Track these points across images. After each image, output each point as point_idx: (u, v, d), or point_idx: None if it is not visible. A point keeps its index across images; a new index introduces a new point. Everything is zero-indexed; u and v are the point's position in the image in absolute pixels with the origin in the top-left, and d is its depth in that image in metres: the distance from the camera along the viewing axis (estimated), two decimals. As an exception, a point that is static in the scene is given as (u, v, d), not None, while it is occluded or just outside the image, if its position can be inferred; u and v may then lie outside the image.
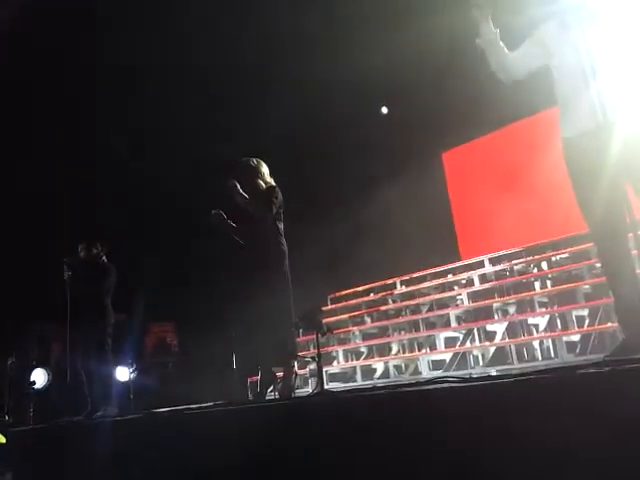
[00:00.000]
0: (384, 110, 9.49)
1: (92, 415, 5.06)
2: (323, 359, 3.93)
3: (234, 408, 3.41)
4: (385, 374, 6.80)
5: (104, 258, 5.68)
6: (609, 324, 5.13)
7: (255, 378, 4.80)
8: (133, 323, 6.42)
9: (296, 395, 4.28)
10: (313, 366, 4.09)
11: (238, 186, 4.22)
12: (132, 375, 6.69)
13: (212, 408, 3.63)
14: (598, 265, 6.10)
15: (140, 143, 8.02)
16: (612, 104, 2.60)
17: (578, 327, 5.61)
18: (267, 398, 4.18)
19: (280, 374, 4.22)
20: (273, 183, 4.35)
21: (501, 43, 3.00)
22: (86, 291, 5.47)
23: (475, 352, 6.20)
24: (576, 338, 5.46)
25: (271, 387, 4.30)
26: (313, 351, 4.60)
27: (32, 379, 6.56)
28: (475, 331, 6.41)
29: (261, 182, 4.31)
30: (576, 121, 2.73)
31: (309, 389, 5.95)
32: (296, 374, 4.45)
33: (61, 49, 7.01)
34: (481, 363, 6.06)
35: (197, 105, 7.95)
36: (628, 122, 2.57)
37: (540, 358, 5.71)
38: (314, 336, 3.89)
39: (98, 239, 5.71)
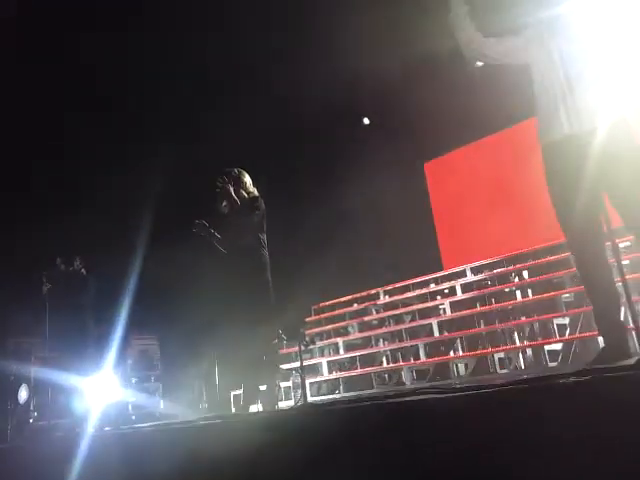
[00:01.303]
0: (365, 121, 9.55)
1: (71, 429, 4.98)
2: (307, 371, 3.91)
3: (217, 422, 3.37)
4: (369, 385, 6.79)
5: (83, 270, 5.62)
6: (590, 333, 5.18)
7: (238, 391, 4.77)
8: (114, 336, 6.34)
9: (279, 408, 4.25)
10: (297, 378, 4.06)
11: (222, 203, 4.22)
12: (113, 388, 6.59)
13: (195, 422, 3.58)
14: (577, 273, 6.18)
15: (122, 153, 7.95)
16: (588, 113, 2.64)
17: (559, 336, 5.66)
18: (250, 411, 4.15)
19: (263, 387, 4.19)
20: (256, 193, 4.35)
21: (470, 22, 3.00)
22: (66, 304, 5.41)
23: (458, 362, 6.22)
24: (558, 347, 5.50)
25: (254, 400, 4.27)
26: (296, 363, 4.59)
27: (17, 396, 6.45)
28: (458, 340, 6.44)
29: (243, 192, 4.30)
30: (553, 129, 2.76)
31: (292, 401, 5.92)
32: (279, 387, 4.42)
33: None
34: (463, 373, 6.08)
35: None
36: (604, 131, 2.60)
37: (522, 367, 5.75)
38: (297, 348, 3.87)
39: (78, 252, 5.66)
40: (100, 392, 6.55)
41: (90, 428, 4.90)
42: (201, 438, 2.89)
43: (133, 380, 8.02)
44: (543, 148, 2.84)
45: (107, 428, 4.90)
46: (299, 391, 3.79)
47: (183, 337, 7.46)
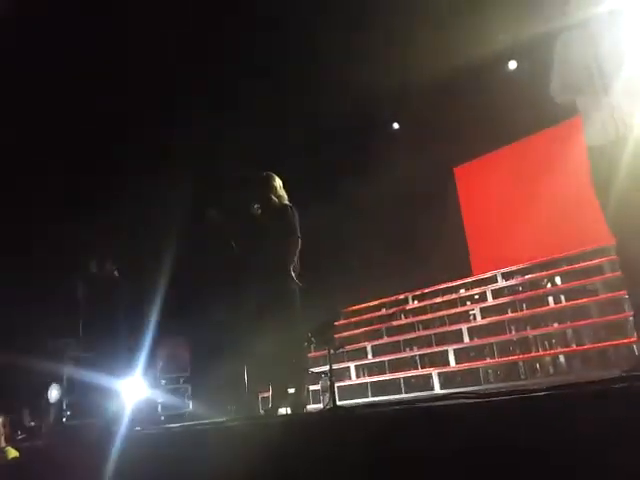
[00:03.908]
0: (395, 125, 9.54)
1: (104, 429, 5.06)
2: (335, 374, 3.91)
3: (245, 423, 3.40)
4: (397, 389, 6.75)
5: (116, 273, 5.72)
6: (624, 339, 5.07)
7: (267, 393, 4.79)
8: (146, 338, 6.44)
9: (308, 411, 4.25)
10: (325, 382, 4.05)
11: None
12: (144, 389, 6.70)
13: (224, 424, 3.62)
14: (612, 279, 6.07)
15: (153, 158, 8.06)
16: (626, 116, 2.60)
17: (593, 342, 5.55)
18: (279, 414, 4.17)
19: (292, 390, 4.20)
20: (286, 198, 4.38)
21: None
22: (99, 306, 5.51)
23: (487, 368, 6.14)
24: (591, 353, 5.40)
25: (283, 402, 4.28)
26: (325, 366, 4.58)
27: (47, 395, 6.59)
28: (487, 346, 6.36)
29: (274, 197, 4.33)
30: (595, 132, 2.74)
31: (321, 405, 5.92)
32: (308, 390, 4.43)
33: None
34: (492, 379, 6.00)
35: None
36: None
37: (552, 373, 5.65)
38: (327, 351, 3.87)
39: (110, 254, 5.76)
40: (131, 393, 6.66)
41: (121, 428, 4.98)
42: (229, 439, 2.91)
43: (163, 381, 8.12)
44: (588, 148, 2.82)
45: (137, 428, 4.98)
46: (327, 394, 3.79)
47: (213, 339, 7.54)
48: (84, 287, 5.61)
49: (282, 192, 4.40)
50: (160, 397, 7.49)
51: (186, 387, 8.20)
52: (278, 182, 4.42)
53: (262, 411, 5.59)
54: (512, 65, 8.04)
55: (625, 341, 5.06)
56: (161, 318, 6.52)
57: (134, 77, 7.28)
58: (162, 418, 7.37)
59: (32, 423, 6.44)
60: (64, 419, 6.40)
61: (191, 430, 3.70)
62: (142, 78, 7.28)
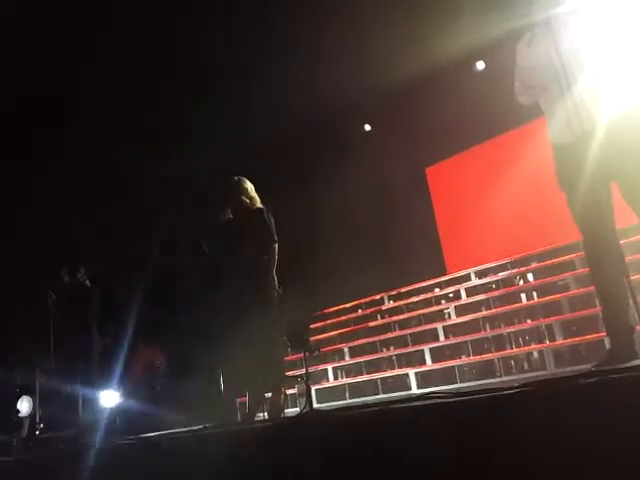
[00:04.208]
0: (367, 127, 9.58)
1: (78, 441, 4.97)
2: (312, 377, 3.90)
3: (223, 431, 3.36)
4: (374, 390, 6.76)
5: (87, 282, 5.62)
6: (596, 334, 5.16)
7: (244, 399, 4.75)
8: (120, 347, 6.34)
9: (285, 415, 4.23)
10: (302, 385, 4.04)
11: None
12: (119, 399, 6.58)
13: (201, 431, 3.58)
14: (583, 275, 6.18)
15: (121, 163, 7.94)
16: (593, 111, 2.64)
17: (565, 338, 5.64)
18: (256, 419, 4.14)
19: (269, 394, 4.18)
20: (259, 201, 4.36)
21: None
22: (70, 315, 5.41)
23: (464, 366, 6.19)
24: (563, 349, 5.48)
25: (260, 408, 4.25)
26: (301, 370, 4.57)
27: (18, 408, 6.44)
28: (463, 345, 6.42)
29: (246, 199, 4.32)
30: (560, 129, 2.77)
31: (298, 409, 5.89)
32: (285, 394, 4.41)
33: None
34: (468, 376, 6.05)
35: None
36: (611, 125, 2.59)
37: (527, 369, 5.72)
38: (302, 355, 3.86)
39: (81, 262, 5.67)
40: (106, 403, 6.55)
41: (97, 439, 4.90)
42: (206, 447, 2.88)
43: (138, 390, 8.00)
44: (553, 145, 2.85)
45: (113, 439, 4.89)
46: (305, 398, 3.77)
47: (188, 347, 7.46)
48: (54, 296, 5.50)
49: (254, 194, 4.38)
50: (136, 407, 7.37)
51: (163, 395, 8.10)
52: (249, 185, 4.41)
53: (239, 417, 5.54)
54: (480, 65, 8.14)
55: (595, 336, 5.15)
56: (136, 327, 6.43)
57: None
58: (138, 427, 7.25)
59: (2, 438, 6.28)
60: (37, 432, 6.27)
61: (168, 439, 3.65)
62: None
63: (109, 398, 6.76)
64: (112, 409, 6.62)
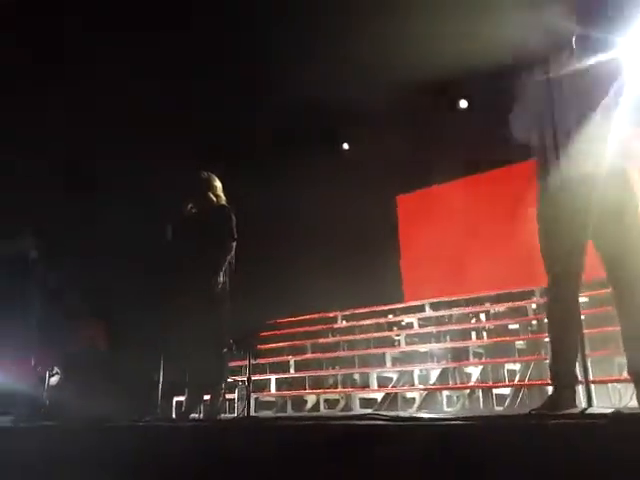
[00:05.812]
0: (345, 146, 9.62)
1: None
2: (254, 386, 3.83)
3: (153, 426, 3.27)
4: (316, 407, 6.69)
5: (33, 252, 5.44)
6: (539, 381, 5.22)
7: (181, 397, 4.65)
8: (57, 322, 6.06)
9: (221, 419, 4.14)
10: (243, 391, 3.98)
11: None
12: (52, 380, 6.31)
13: (121, 425, 3.45)
14: (534, 322, 6.29)
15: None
16: (586, 160, 2.67)
17: (509, 381, 5.70)
18: (190, 419, 4.04)
19: (207, 396, 4.09)
20: (224, 199, 4.32)
21: None
22: (9, 287, 5.22)
23: (407, 394, 6.19)
24: (506, 391, 5.53)
25: (197, 408, 4.17)
26: (244, 376, 4.49)
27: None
28: (409, 374, 6.43)
29: (212, 196, 4.27)
30: (552, 177, 2.79)
31: (235, 414, 5.79)
32: (224, 397, 4.33)
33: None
34: (412, 406, 6.05)
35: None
36: (599, 179, 2.63)
37: (467, 407, 5.75)
38: (247, 361, 3.80)
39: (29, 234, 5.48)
40: (26, 383, 6.23)
41: (7, 422, 4.66)
42: (127, 441, 2.78)
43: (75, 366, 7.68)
44: (540, 191, 2.86)
45: (23, 423, 4.65)
46: (243, 403, 3.71)
47: (132, 332, 7.25)
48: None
49: (221, 194, 4.34)
50: (69, 386, 7.07)
51: (100, 377, 7.80)
52: (219, 183, 4.37)
53: (174, 415, 5.42)
54: (463, 104, 8.25)
55: (538, 382, 5.21)
56: (80, 302, 6.20)
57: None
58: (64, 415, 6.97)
59: None
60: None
61: (92, 428, 3.51)
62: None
63: (32, 377, 6.42)
64: (46, 386, 6.35)
